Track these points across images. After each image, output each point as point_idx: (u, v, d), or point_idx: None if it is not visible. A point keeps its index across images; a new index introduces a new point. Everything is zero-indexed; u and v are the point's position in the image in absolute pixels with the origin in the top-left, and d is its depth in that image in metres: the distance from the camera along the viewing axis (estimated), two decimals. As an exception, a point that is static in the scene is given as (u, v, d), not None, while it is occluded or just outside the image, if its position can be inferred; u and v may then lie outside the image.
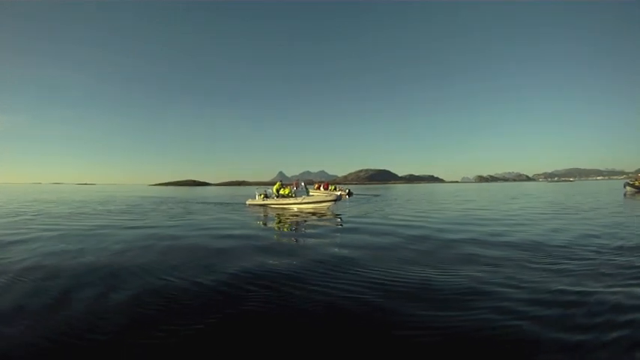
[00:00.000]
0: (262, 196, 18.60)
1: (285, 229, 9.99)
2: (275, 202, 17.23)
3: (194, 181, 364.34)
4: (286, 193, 17.20)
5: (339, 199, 15.96)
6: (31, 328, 3.15)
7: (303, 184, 17.69)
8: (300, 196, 16.54)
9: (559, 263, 5.23)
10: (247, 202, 19.10)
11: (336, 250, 6.53)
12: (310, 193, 17.06)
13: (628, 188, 30.21)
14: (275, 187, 18.04)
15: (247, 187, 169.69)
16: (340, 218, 12.37)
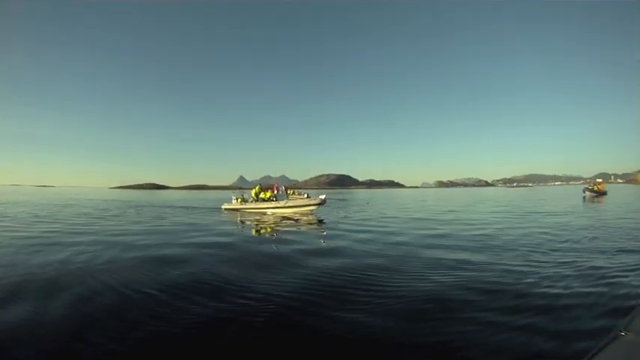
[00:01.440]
0: (240, 200, 18.03)
1: (268, 236, 9.53)
2: (255, 207, 16.75)
3: (154, 184, 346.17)
4: (267, 196, 16.82)
5: (323, 202, 15.92)
6: None
7: (283, 187, 17.43)
8: (282, 199, 16.26)
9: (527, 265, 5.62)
10: (223, 207, 18.35)
11: (336, 259, 6.34)
12: (290, 197, 16.87)
13: (587, 193, 32.53)
14: (254, 191, 17.54)
15: (209, 191, 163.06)
16: (324, 223, 12.38)
